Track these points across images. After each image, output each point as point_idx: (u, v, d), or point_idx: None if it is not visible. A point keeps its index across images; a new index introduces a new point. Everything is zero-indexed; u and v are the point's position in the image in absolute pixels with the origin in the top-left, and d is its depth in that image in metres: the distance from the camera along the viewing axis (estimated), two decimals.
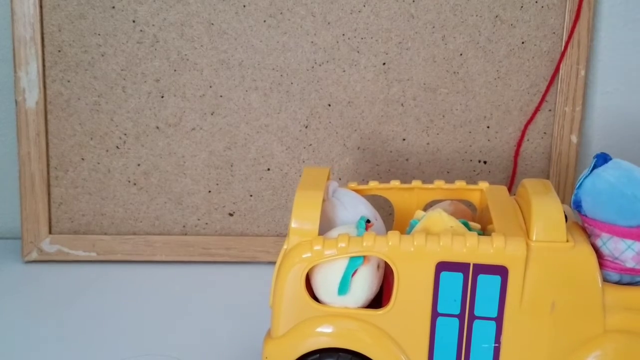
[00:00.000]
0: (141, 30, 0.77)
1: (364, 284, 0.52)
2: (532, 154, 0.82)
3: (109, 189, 0.81)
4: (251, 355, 0.63)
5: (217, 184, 0.81)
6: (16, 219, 0.83)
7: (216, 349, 0.64)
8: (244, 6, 0.77)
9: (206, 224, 0.82)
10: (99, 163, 0.80)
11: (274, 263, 0.55)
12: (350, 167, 0.81)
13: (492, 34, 0.78)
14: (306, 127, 0.80)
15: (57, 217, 0.81)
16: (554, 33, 0.79)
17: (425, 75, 0.79)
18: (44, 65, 0.77)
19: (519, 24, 0.78)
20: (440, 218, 0.53)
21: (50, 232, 0.81)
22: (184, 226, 0.82)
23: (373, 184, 0.62)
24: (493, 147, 0.81)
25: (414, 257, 0.50)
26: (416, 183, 0.62)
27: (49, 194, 0.80)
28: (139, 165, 0.80)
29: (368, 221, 0.54)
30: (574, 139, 0.81)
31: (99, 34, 0.77)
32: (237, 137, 0.80)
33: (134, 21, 0.77)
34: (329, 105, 0.80)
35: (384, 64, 0.79)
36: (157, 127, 0.79)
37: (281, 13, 0.77)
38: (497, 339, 0.51)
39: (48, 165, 0.79)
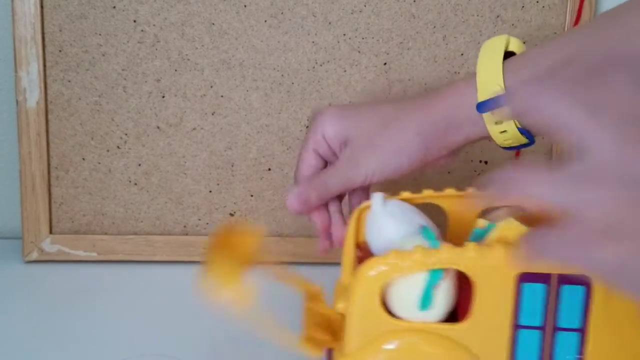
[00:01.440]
0: (142, 30, 0.77)
1: (446, 297, 0.50)
2: (533, 154, 0.82)
3: (110, 188, 0.81)
4: (251, 355, 0.63)
5: (218, 184, 0.81)
6: (17, 219, 0.83)
7: (216, 349, 0.64)
8: (245, 6, 0.77)
9: (207, 224, 0.82)
10: (99, 163, 0.80)
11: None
12: None
13: (494, 34, 0.78)
14: (307, 127, 0.80)
15: (58, 217, 0.81)
16: (555, 33, 0.79)
17: (427, 75, 0.79)
18: (44, 65, 0.77)
19: (520, 24, 0.78)
20: (514, 227, 0.51)
21: (50, 232, 0.81)
22: (184, 226, 0.82)
23: (427, 192, 0.60)
24: (494, 147, 0.81)
25: (495, 269, 0.49)
26: (471, 190, 0.60)
27: (49, 194, 0.80)
28: (139, 165, 0.80)
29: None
30: None
31: (100, 34, 0.77)
32: (238, 137, 0.80)
33: (134, 21, 0.77)
34: (330, 105, 0.79)
35: (385, 64, 0.79)
36: (158, 127, 0.79)
37: (282, 13, 0.77)
38: (581, 351, 0.49)
39: (49, 165, 0.79)
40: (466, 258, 0.49)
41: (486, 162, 0.82)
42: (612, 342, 0.50)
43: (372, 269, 0.50)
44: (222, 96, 0.79)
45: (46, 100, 0.78)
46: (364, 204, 0.58)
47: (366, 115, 0.59)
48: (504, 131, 0.53)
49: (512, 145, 0.55)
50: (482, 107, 0.53)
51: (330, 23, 0.78)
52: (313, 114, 0.61)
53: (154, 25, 0.77)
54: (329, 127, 0.59)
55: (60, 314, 0.70)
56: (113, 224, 0.81)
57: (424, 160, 0.58)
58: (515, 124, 0.53)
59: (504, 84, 0.52)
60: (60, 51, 0.77)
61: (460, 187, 0.62)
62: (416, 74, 0.79)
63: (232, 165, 0.81)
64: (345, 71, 0.79)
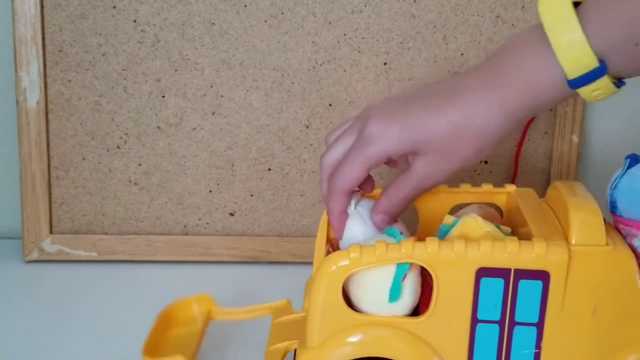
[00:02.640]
0: (142, 30, 0.77)
1: (413, 289, 0.51)
2: (533, 153, 0.82)
3: (110, 188, 0.81)
4: (251, 355, 0.63)
5: (218, 184, 0.81)
6: (17, 219, 0.83)
7: (216, 349, 0.64)
8: (245, 6, 0.77)
9: (207, 223, 0.82)
10: (99, 163, 0.80)
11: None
12: None
13: (494, 34, 0.78)
14: (307, 127, 0.80)
15: (58, 217, 0.81)
16: None
17: (427, 75, 0.79)
18: (44, 65, 0.77)
19: (520, 24, 0.78)
20: (476, 223, 0.52)
21: (51, 232, 0.81)
22: (184, 226, 0.82)
23: None
24: None
25: (454, 264, 0.50)
26: (442, 187, 0.61)
27: (49, 194, 0.80)
28: (139, 165, 0.80)
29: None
30: (575, 139, 0.81)
31: (100, 34, 0.77)
32: (238, 137, 0.80)
33: (135, 21, 0.77)
34: (330, 105, 0.79)
35: (385, 63, 0.79)
36: (158, 127, 0.79)
37: (282, 13, 0.77)
38: (538, 345, 0.51)
39: (49, 165, 0.79)
40: (426, 253, 0.50)
41: (486, 162, 0.82)
42: (568, 337, 0.51)
43: (334, 264, 0.51)
44: (222, 96, 0.79)
45: (46, 100, 0.78)
46: None
47: (434, 126, 0.52)
48: (597, 90, 0.49)
49: (601, 98, 0.51)
50: (576, 83, 0.49)
51: (330, 23, 0.78)
52: (362, 124, 0.55)
53: (154, 25, 0.77)
54: (394, 148, 0.53)
55: (60, 314, 0.70)
56: (113, 224, 0.81)
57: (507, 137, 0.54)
58: (611, 79, 0.49)
59: (592, 49, 0.47)
60: (60, 51, 0.77)
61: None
62: (416, 74, 0.79)
63: (232, 165, 0.81)
64: (345, 71, 0.79)
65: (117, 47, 0.77)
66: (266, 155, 0.80)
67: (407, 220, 0.58)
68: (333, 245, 0.60)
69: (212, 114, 0.79)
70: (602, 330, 0.51)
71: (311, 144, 0.80)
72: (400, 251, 0.50)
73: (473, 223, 0.53)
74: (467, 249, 0.50)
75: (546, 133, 0.81)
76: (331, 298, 0.51)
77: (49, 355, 0.64)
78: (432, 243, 0.50)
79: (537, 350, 0.51)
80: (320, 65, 0.78)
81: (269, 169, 0.81)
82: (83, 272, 0.79)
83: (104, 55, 0.78)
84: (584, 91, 0.49)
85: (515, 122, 0.52)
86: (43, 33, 0.77)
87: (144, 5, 0.77)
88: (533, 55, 0.50)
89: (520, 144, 0.81)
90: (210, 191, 0.81)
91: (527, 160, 0.82)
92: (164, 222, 0.82)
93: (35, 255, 0.80)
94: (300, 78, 0.79)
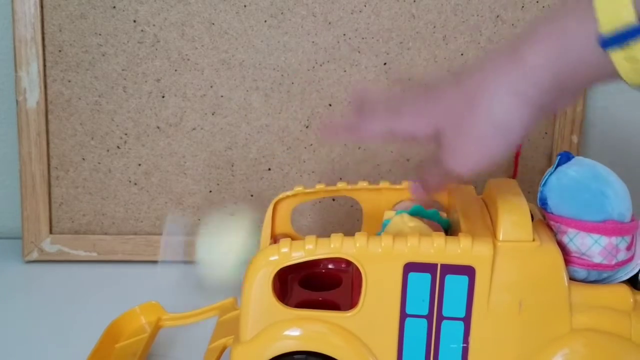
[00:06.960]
0: (142, 30, 0.77)
1: None
2: (532, 154, 0.82)
3: (110, 189, 0.81)
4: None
5: (218, 184, 0.81)
6: (17, 219, 0.83)
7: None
8: (245, 6, 0.77)
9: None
10: (99, 163, 0.80)
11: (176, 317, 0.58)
12: (351, 168, 0.81)
13: (493, 34, 0.78)
14: (307, 127, 0.80)
15: (58, 217, 0.81)
16: None
17: (427, 75, 0.79)
18: (44, 65, 0.77)
19: (520, 24, 0.78)
20: (401, 220, 0.54)
21: (50, 232, 0.80)
22: (184, 226, 0.82)
23: (341, 184, 0.62)
24: None
25: (382, 259, 0.50)
26: (384, 184, 0.62)
27: (49, 194, 0.80)
28: (139, 165, 0.80)
29: None
30: (575, 139, 0.81)
31: (100, 34, 0.77)
32: (238, 137, 0.80)
33: (134, 21, 0.77)
34: (330, 105, 0.80)
35: (385, 64, 0.79)
36: (158, 127, 0.79)
37: (282, 13, 0.77)
38: (466, 339, 0.51)
39: (49, 165, 0.79)
40: (354, 248, 0.51)
41: None
42: (495, 332, 0.51)
43: (264, 258, 0.52)
44: (222, 96, 0.79)
45: (46, 100, 0.78)
46: (280, 196, 0.62)
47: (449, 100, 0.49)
48: (634, 60, 0.42)
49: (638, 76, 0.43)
50: (608, 41, 0.42)
51: (330, 23, 0.78)
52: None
53: (154, 25, 0.77)
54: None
55: (60, 314, 0.70)
56: (113, 224, 0.81)
57: (534, 124, 0.48)
58: None
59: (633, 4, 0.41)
60: (60, 51, 0.77)
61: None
62: (416, 74, 0.79)
63: (232, 165, 0.81)
64: (345, 71, 0.79)
65: (117, 47, 0.77)
66: (266, 155, 0.80)
67: (352, 216, 0.59)
68: (277, 241, 0.61)
69: (212, 114, 0.79)
70: (529, 325, 0.51)
71: (311, 144, 0.80)
72: (330, 246, 0.51)
73: (398, 221, 0.53)
74: (394, 244, 0.50)
75: (546, 133, 0.81)
76: (262, 293, 0.52)
77: (49, 355, 0.64)
78: (360, 238, 0.51)
79: (465, 345, 0.51)
80: (320, 65, 0.78)
81: (269, 169, 0.81)
82: (83, 272, 0.79)
83: (103, 55, 0.78)
84: (617, 57, 0.42)
85: (539, 87, 0.45)
86: (43, 33, 0.77)
87: (144, 5, 0.77)
88: (570, 7, 0.44)
89: (519, 144, 0.81)
90: (210, 191, 0.81)
91: (527, 160, 0.82)
92: (163, 222, 0.81)
93: (35, 255, 0.80)
94: (300, 78, 0.79)
